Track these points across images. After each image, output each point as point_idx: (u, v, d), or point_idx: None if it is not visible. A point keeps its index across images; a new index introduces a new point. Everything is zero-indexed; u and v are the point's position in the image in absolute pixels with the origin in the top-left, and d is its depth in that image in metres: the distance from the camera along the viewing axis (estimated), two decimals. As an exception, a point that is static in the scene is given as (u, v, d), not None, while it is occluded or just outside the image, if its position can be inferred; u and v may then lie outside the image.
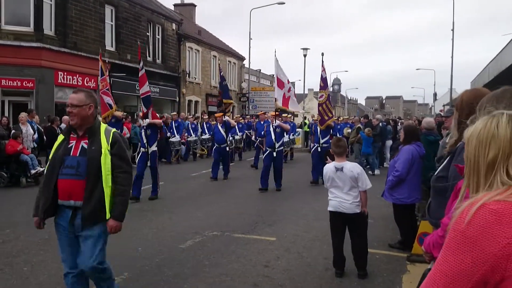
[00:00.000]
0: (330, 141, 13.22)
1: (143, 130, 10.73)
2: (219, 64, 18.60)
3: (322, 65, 13.28)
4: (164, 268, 5.62)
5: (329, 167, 5.43)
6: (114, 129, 3.84)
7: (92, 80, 21.22)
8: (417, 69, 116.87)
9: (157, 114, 12.08)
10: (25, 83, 18.20)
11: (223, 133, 13.89)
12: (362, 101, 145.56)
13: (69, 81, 19.90)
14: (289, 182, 12.75)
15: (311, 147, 13.70)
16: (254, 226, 7.92)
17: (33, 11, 18.37)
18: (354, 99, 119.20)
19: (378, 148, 16.01)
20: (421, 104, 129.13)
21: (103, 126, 3.79)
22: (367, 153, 14.82)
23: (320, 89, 13.29)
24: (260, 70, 50.76)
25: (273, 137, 11.79)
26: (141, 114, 11.56)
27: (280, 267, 5.72)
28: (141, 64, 10.82)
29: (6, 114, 17.31)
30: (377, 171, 14.87)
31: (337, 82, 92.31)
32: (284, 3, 32.34)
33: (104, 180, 3.62)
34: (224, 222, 8.17)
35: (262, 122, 17.77)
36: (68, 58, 19.53)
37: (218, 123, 14.18)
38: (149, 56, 26.59)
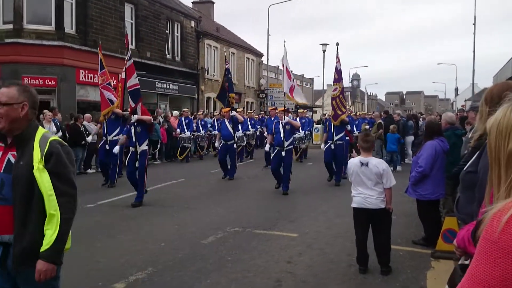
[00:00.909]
0: (346, 137, 12.76)
1: (132, 127, 9.71)
2: (225, 56, 16.79)
3: (337, 56, 12.37)
4: (187, 264, 5.66)
5: (353, 162, 5.39)
6: (53, 137, 2.84)
7: (113, 78, 21.29)
8: (438, 64, 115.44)
9: (146, 110, 10.82)
10: (47, 81, 18.45)
11: (231, 129, 13.27)
12: (382, 97, 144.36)
13: (91, 79, 20.10)
14: (307, 179, 12.73)
15: (324, 145, 12.71)
16: (275, 222, 7.92)
17: (54, 10, 18.60)
18: (374, 94, 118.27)
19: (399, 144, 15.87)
20: (442, 99, 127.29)
21: (40, 133, 2.79)
22: (393, 150, 14.65)
23: (334, 82, 12.36)
24: (278, 66, 50.48)
25: (282, 135, 10.83)
26: (129, 109, 10.58)
27: (303, 263, 5.71)
28: (129, 54, 9.75)
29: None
30: (399, 167, 14.72)
31: (356, 77, 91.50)
32: (302, -1, 32.21)
33: (47, 205, 2.64)
34: (245, 218, 8.19)
35: (272, 118, 16.64)
36: (89, 56, 19.70)
37: (226, 119, 13.51)
38: (168, 54, 26.70)
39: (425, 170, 6.17)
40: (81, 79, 19.56)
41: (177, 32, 27.77)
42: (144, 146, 9.69)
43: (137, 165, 9.46)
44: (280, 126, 10.98)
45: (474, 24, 33.34)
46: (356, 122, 17.95)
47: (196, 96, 29.48)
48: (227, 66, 14.67)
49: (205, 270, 5.45)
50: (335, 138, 12.11)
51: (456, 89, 61.17)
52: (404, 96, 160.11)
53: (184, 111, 19.26)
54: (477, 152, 2.86)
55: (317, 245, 6.50)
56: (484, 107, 2.81)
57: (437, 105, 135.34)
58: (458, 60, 72.39)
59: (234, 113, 13.46)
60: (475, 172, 2.72)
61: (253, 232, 7.19)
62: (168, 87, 26.11)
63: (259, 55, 40.85)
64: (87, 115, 15.22)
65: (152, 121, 10.60)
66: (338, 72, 12.15)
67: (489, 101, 2.74)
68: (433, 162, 6.20)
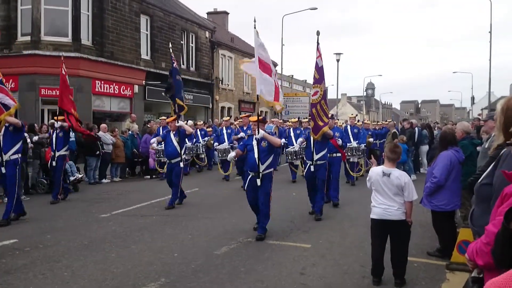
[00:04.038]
0: (336, 154, 10.49)
1: None
2: (170, 52, 11.61)
3: (318, 50, 9.09)
4: (200, 274, 5.66)
5: (375, 171, 5.34)
6: None
7: (128, 88, 21.67)
8: (454, 72, 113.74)
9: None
10: (64, 92, 18.71)
11: (176, 144, 10.56)
12: (397, 106, 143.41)
13: (106, 89, 20.35)
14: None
15: (304, 166, 10.08)
16: (288, 232, 7.88)
17: (71, 22, 18.91)
18: (388, 103, 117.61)
19: (412, 153, 15.71)
20: (458, 108, 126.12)
21: None
22: (402, 161, 14.46)
23: (314, 83, 9.26)
24: (292, 76, 50.84)
25: (255, 155, 7.63)
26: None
27: (316, 275, 5.67)
28: None
29: (46, 122, 17.83)
30: (413, 176, 14.57)
31: (370, 86, 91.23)
32: (316, 9, 32.28)
33: None
34: (259, 228, 8.15)
35: (245, 128, 14.37)
36: (105, 67, 19.98)
37: (171, 131, 10.79)
38: (183, 64, 26.90)
39: (440, 180, 6.10)
40: (97, 89, 19.80)
41: (192, 43, 28.00)
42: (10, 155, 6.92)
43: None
44: (254, 143, 7.74)
45: (490, 32, 33.15)
46: (362, 133, 15.57)
47: (211, 106, 29.63)
48: (174, 65, 11.04)
49: (218, 280, 5.44)
50: (316, 157, 9.09)
51: (472, 98, 60.60)
52: (420, 105, 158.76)
53: (161, 119, 17.02)
54: (493, 163, 2.82)
55: (331, 256, 6.45)
56: (500, 117, 2.79)
57: (453, 114, 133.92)
58: (474, 69, 71.91)
59: (180, 123, 10.75)
60: (490, 184, 2.68)
61: (266, 243, 7.17)
62: (182, 97, 26.26)
63: (273, 64, 40.95)
64: (103, 125, 15.40)
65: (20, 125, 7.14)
66: (319, 70, 9.11)
67: (505, 111, 2.71)
68: (448, 172, 6.12)
